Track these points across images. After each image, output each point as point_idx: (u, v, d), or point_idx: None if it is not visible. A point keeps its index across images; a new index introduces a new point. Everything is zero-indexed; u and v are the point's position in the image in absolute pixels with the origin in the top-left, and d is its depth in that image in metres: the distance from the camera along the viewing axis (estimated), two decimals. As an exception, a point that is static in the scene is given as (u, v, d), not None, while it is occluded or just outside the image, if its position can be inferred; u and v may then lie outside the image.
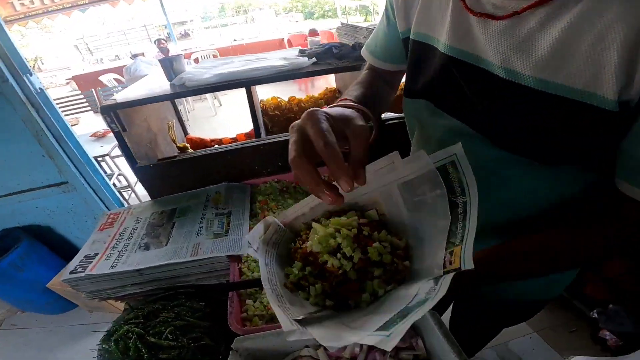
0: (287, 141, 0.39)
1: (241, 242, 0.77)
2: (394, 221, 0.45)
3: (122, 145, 0.95)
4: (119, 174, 2.36)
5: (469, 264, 0.32)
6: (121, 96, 0.97)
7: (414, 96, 0.57)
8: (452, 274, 0.33)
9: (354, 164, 0.36)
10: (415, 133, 0.63)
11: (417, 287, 0.36)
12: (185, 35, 15.70)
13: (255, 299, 0.69)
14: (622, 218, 0.41)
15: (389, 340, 0.30)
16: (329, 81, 1.75)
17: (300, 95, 1.61)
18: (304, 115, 0.38)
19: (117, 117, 0.92)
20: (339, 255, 0.40)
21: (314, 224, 0.44)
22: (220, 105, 5.33)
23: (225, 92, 4.72)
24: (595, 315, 1.34)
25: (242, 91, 1.04)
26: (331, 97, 1.58)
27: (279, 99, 1.55)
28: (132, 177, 2.31)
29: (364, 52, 0.69)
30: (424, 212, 0.41)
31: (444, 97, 0.51)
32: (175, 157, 1.01)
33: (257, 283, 0.67)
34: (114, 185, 2.13)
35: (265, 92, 1.69)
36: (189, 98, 4.97)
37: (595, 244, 0.43)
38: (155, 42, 5.23)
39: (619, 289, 1.33)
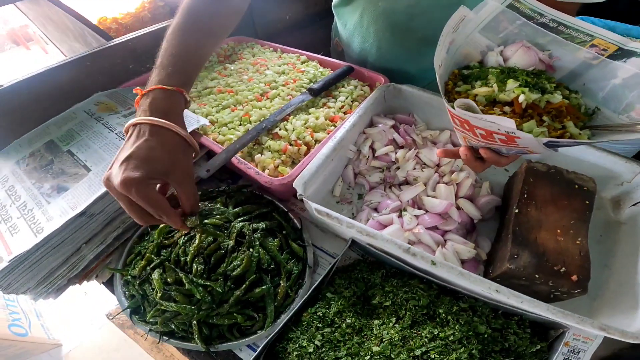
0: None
1: (196, 116, 0.67)
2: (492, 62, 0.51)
3: None
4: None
5: (626, 41, 0.39)
6: None
7: None
8: None
9: (188, 207, 0.43)
10: (353, 29, 0.77)
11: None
12: None
13: (262, 150, 0.64)
14: None
15: None
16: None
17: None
18: (120, 186, 0.37)
19: None
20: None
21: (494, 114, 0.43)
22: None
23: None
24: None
25: None
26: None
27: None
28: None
29: None
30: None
31: None
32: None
33: (248, 139, 0.61)
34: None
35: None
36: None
37: None
38: None
39: None
